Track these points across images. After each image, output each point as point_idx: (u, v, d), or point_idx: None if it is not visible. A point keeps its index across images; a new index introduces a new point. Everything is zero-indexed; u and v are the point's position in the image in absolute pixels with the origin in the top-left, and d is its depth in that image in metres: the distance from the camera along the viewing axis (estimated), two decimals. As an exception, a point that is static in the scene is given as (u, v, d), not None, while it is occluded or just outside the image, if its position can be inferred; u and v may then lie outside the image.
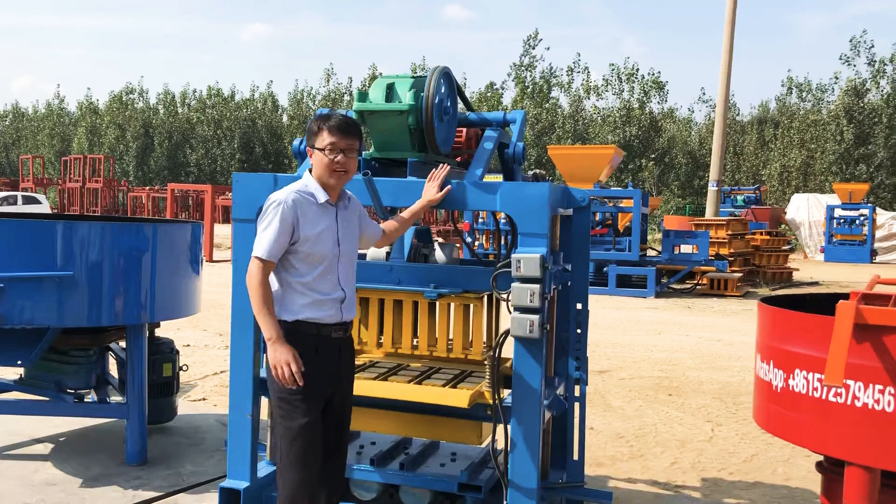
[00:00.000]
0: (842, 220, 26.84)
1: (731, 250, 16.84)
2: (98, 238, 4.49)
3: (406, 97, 3.66)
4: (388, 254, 4.07)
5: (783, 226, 30.07)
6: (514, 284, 3.41)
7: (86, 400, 5.10)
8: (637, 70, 47.48)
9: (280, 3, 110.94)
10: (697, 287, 16.03)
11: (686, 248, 16.47)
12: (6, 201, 29.44)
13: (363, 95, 3.75)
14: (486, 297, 3.84)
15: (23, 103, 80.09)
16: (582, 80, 49.35)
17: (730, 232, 17.03)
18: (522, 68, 48.50)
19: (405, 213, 3.57)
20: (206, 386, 6.89)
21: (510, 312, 3.47)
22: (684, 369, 8.30)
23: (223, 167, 55.31)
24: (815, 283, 18.16)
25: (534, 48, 48.34)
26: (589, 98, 48.68)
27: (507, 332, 3.50)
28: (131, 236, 4.65)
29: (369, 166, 3.87)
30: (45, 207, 30.53)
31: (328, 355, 3.18)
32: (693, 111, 75.73)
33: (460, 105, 4.07)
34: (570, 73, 48.79)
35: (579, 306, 4.00)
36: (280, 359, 3.01)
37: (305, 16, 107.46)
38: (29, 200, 30.34)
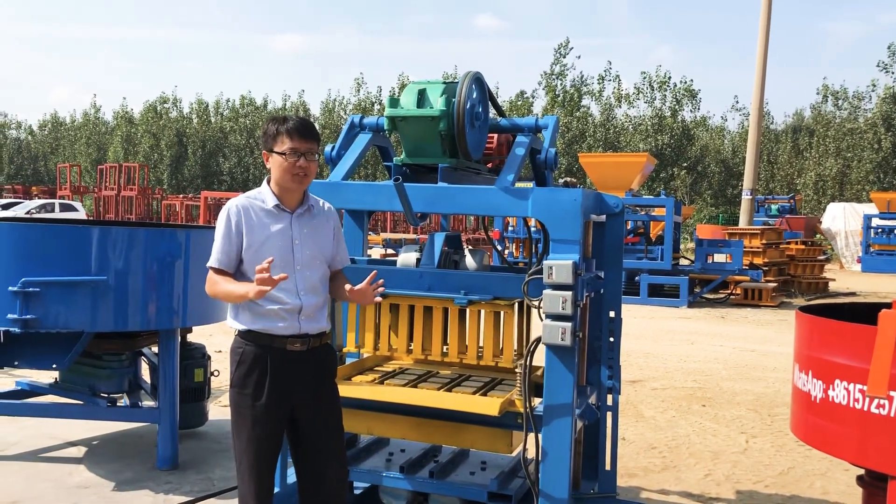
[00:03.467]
0: (879, 230, 26.32)
1: (766, 260, 16.59)
2: (132, 244, 4.54)
3: (437, 103, 3.65)
4: (418, 260, 4.05)
5: (818, 235, 29.59)
6: (545, 291, 3.37)
7: (118, 404, 5.15)
8: (669, 78, 47.12)
9: (312, 15, 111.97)
10: (731, 297, 15.81)
11: (719, 258, 16.26)
12: (44, 209, 30.00)
13: (394, 101, 3.74)
14: (516, 304, 3.81)
15: (61, 113, 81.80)
16: (613, 88, 49.09)
17: (764, 241, 16.79)
18: (553, 77, 48.36)
19: (346, 287, 3.21)
20: (237, 392, 6.91)
21: (542, 320, 3.43)
22: (718, 380, 8.17)
23: (255, 175, 55.80)
24: (853, 294, 17.81)
25: (564, 57, 48.18)
26: (620, 106, 48.41)
27: (538, 340, 3.46)
28: (165, 242, 4.69)
29: (400, 172, 3.86)
30: (81, 215, 31.05)
31: (284, 369, 3.03)
32: (726, 119, 74.85)
33: (492, 111, 4.05)
34: (601, 81, 48.56)
35: (612, 314, 3.95)
36: (250, 290, 2.82)
37: (337, 27, 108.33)
38: (66, 208, 30.90)
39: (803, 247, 18.95)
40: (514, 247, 16.72)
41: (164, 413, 4.79)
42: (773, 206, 34.27)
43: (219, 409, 6.19)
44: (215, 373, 5.61)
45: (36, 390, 5.24)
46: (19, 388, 5.28)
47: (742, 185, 23.72)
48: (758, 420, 6.57)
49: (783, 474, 5.19)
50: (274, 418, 3.07)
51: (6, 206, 30.83)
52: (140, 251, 4.57)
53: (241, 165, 56.64)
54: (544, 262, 3.39)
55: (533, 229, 14.67)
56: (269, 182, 3.16)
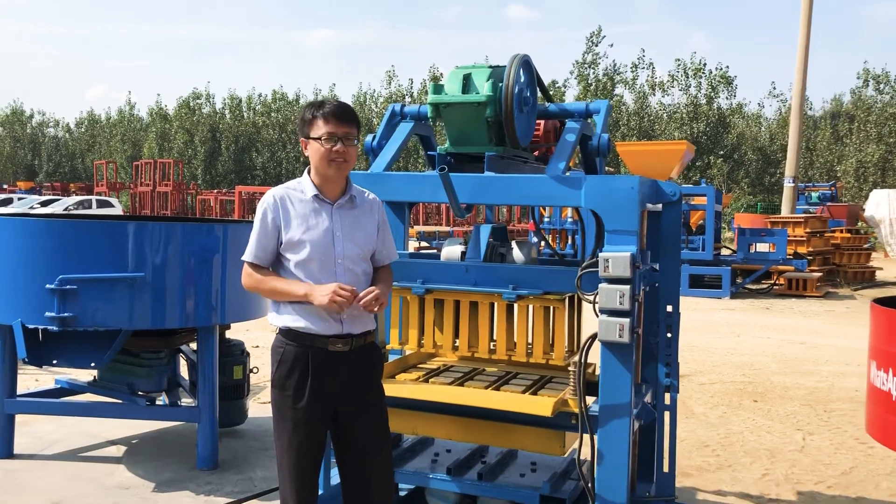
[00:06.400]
0: (927, 217, 25.53)
1: (810, 249, 16.15)
2: (170, 239, 4.44)
3: (484, 88, 3.48)
4: (463, 253, 3.89)
5: (860, 223, 28.83)
6: (601, 285, 3.19)
7: (157, 402, 5.07)
8: (704, 65, 46.28)
9: (343, 10, 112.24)
10: (774, 287, 15.42)
11: (761, 247, 15.85)
12: (81, 205, 30.38)
13: (438, 87, 3.58)
14: (567, 298, 3.62)
15: (97, 111, 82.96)
16: (647, 76, 48.33)
17: (808, 230, 16.34)
18: (585, 66, 47.76)
19: (379, 283, 3.03)
20: (276, 388, 6.82)
21: (597, 315, 3.25)
22: (768, 374, 7.89)
23: (288, 170, 56.07)
24: (901, 283, 17.32)
25: (597, 45, 47.52)
26: (654, 94, 47.67)
27: (593, 337, 3.28)
28: (202, 237, 4.59)
29: (445, 161, 3.69)
30: (117, 211, 31.41)
31: (326, 370, 2.89)
32: (763, 106, 73.42)
33: (539, 96, 3.86)
34: (634, 69, 47.85)
35: (669, 308, 3.75)
36: (325, 294, 2.74)
37: (368, 21, 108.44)
38: (103, 204, 31.26)
39: (849, 235, 18.44)
40: (550, 238, 16.47)
41: (203, 412, 4.69)
42: (814, 194, 33.49)
43: (258, 407, 6.09)
44: (254, 369, 5.51)
45: (75, 388, 5.17)
46: (59, 386, 5.22)
47: (780, 173, 23.16)
48: (813, 416, 6.31)
49: (845, 474, 4.95)
50: (315, 420, 2.93)
51: (45, 203, 31.27)
52: (177, 246, 4.46)
53: (273, 160, 56.94)
54: (600, 254, 3.20)
55: (570, 220, 14.38)
56: (308, 171, 3.01)
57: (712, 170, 43.59)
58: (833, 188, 34.19)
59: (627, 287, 3.15)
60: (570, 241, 14.39)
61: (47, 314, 4.19)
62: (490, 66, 3.59)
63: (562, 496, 3.58)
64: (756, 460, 5.18)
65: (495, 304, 3.68)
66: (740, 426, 5.97)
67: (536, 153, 4.08)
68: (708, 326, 11.00)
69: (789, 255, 14.79)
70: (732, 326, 11.05)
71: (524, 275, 3.56)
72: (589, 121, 3.79)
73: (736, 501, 4.47)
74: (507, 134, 3.51)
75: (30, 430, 5.18)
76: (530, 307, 3.62)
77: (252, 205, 43.00)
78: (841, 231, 18.71)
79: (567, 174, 3.44)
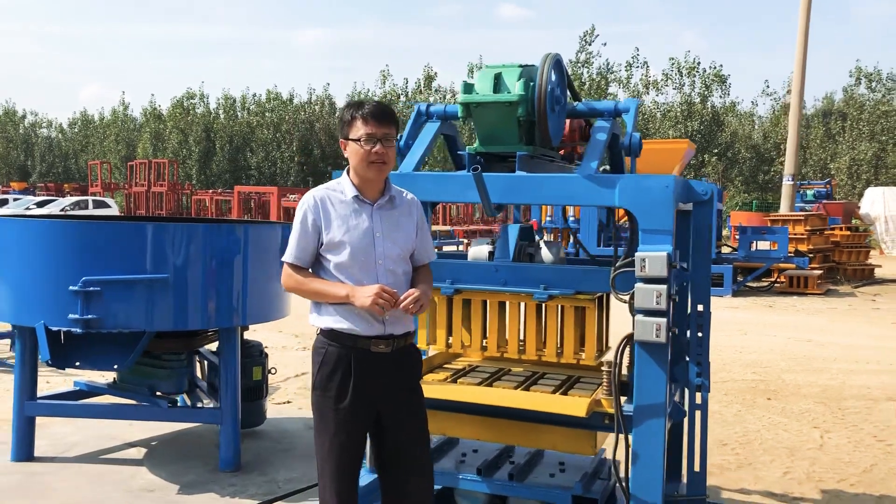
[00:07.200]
0: (922, 214, 25.69)
1: (810, 246, 16.20)
2: (191, 240, 4.41)
3: (515, 87, 3.46)
4: (490, 253, 3.88)
5: (855, 220, 28.97)
6: (637, 285, 3.18)
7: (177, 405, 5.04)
8: (698, 64, 46.40)
9: (336, 9, 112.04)
10: (775, 285, 15.46)
11: (762, 245, 15.89)
12: (78, 206, 30.25)
13: (469, 87, 3.56)
14: (597, 298, 3.61)
15: (90, 110, 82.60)
16: (641, 75, 48.40)
17: (808, 227, 16.39)
18: (579, 65, 47.79)
19: (420, 284, 3.02)
20: (289, 389, 6.81)
21: (632, 315, 3.24)
22: (779, 372, 7.91)
23: (283, 170, 55.95)
24: (900, 281, 17.39)
25: (590, 44, 47.56)
26: (648, 93, 47.75)
27: (630, 337, 3.27)
28: (223, 238, 4.56)
29: (475, 161, 3.68)
30: (114, 211, 31.28)
31: (368, 371, 2.87)
32: (756, 104, 73.57)
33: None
34: (628, 68, 47.91)
35: (700, 308, 3.75)
36: (367, 296, 2.74)
37: (361, 20, 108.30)
38: (99, 205, 31.15)
39: (848, 233, 18.51)
40: (552, 237, 16.47)
41: (226, 413, 4.66)
42: (809, 192, 33.63)
43: (273, 408, 6.07)
44: (273, 370, 5.49)
45: (94, 390, 5.14)
46: (77, 388, 5.19)
47: (774, 171, 23.21)
48: (828, 414, 6.33)
49: (867, 472, 4.96)
50: (358, 421, 2.91)
51: (41, 204, 31.12)
52: (199, 248, 4.44)
53: (268, 160, 56.79)
54: (636, 253, 3.19)
55: (571, 219, 14.31)
56: (348, 172, 2.99)
57: (707, 168, 43.71)
58: (828, 186, 34.34)
59: (664, 287, 3.14)
60: (571, 241, 14.40)
61: (71, 316, 4.16)
62: (520, 66, 3.58)
63: (593, 496, 3.58)
64: (776, 458, 5.18)
65: (525, 305, 3.67)
66: (757, 424, 5.98)
67: (562, 152, 4.07)
68: (714, 325, 10.87)
69: (790, 252, 14.82)
70: (738, 325, 11.07)
71: (555, 275, 3.55)
72: (617, 119, 3.78)
73: (760, 500, 4.47)
74: (539, 133, 3.50)
75: (48, 433, 5.14)
76: (560, 307, 3.61)
77: (247, 204, 42.99)
78: (840, 229, 18.78)
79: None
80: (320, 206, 2.92)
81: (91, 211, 29.24)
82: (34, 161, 68.30)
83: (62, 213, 26.08)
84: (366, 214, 2.93)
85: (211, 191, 44.56)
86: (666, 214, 3.21)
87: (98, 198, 33.97)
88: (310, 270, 2.95)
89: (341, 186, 2.97)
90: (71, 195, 43.61)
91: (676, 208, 3.51)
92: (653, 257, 3.15)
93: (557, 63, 3.59)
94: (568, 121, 4.02)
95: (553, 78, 3.53)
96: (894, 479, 4.82)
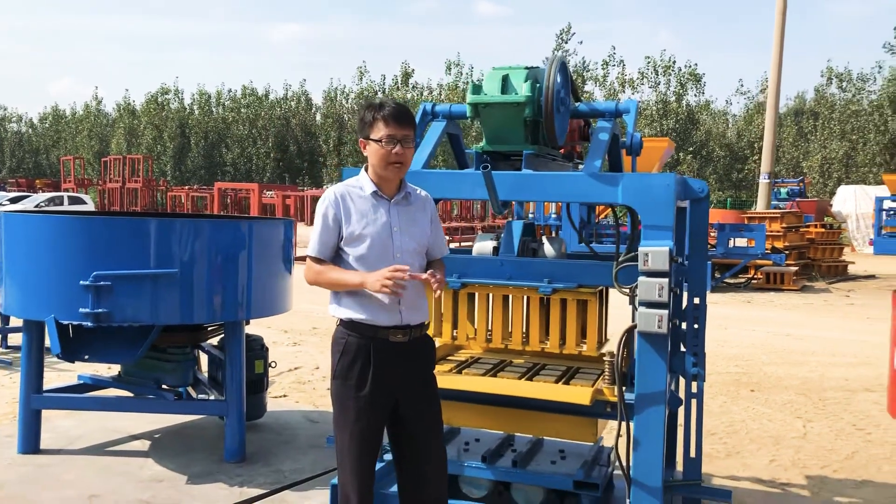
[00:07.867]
0: (892, 212, 26.21)
1: (787, 243, 16.55)
2: (199, 236, 4.50)
3: (522, 88, 3.60)
4: (494, 248, 4.01)
5: (827, 218, 29.52)
6: (640, 278, 3.33)
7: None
8: (674, 62, 46.93)
9: (311, 4, 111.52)
10: (752, 281, 15.77)
11: (740, 242, 16.18)
12: (53, 202, 29.92)
13: (477, 87, 3.69)
14: (598, 291, 3.76)
15: (61, 105, 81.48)
16: (617, 73, 48.83)
17: (784, 225, 16.73)
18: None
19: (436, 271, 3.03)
20: (284, 382, 6.89)
21: (634, 307, 3.39)
22: (760, 365, 8.14)
23: (258, 166, 55.74)
24: (872, 277, 17.80)
25: (566, 42, 47.92)
26: (624, 91, 48.17)
27: (632, 328, 3.43)
28: (229, 233, 4.65)
29: (482, 160, 3.81)
30: (90, 207, 30.98)
31: (387, 360, 3.00)
32: (730, 103, 74.41)
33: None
34: (604, 66, 48.33)
35: (697, 301, 3.91)
36: (378, 279, 2.82)
37: (336, 15, 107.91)
38: (74, 201, 30.82)
39: (823, 230, 18.91)
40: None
41: (231, 405, 4.76)
42: (783, 190, 34.15)
43: (271, 401, 6.15)
44: (273, 364, 5.58)
45: (99, 384, 5.20)
46: (81, 381, 5.25)
47: (747, 169, 23.60)
48: (809, 405, 6.55)
49: (848, 459, 5.17)
50: (377, 408, 3.02)
51: (14, 200, 30.75)
52: (205, 243, 4.53)
53: (244, 156, 56.52)
54: (640, 248, 3.34)
55: (553, 216, 14.45)
56: (366, 169, 3.12)
57: (682, 166, 44.24)
58: (801, 184, 34.89)
59: (666, 280, 3.30)
60: (555, 235, 14.59)
61: (82, 310, 4.23)
62: (527, 67, 3.71)
63: (595, 481, 3.72)
64: (762, 447, 5.38)
65: (529, 298, 3.81)
66: (742, 415, 6.18)
67: (563, 151, 4.22)
68: (694, 319, 11.23)
69: (767, 249, 15.13)
70: (718, 319, 11.32)
71: (559, 269, 3.69)
72: (617, 120, 3.93)
73: (750, 486, 4.66)
74: (546, 133, 3.64)
75: (51, 426, 5.20)
76: (564, 300, 3.76)
77: (224, 200, 42.81)
78: (815, 226, 19.18)
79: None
80: (341, 202, 3.03)
81: (66, 207, 28.94)
82: (3, 156, 67.37)
83: (36, 209, 25.80)
84: (384, 210, 3.05)
85: (186, 187, 44.29)
86: (667, 211, 3.37)
87: (73, 194, 33.62)
88: (329, 263, 3.06)
89: (360, 183, 3.09)
90: (43, 191, 43.10)
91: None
92: (656, 252, 3.30)
93: (563, 65, 3.74)
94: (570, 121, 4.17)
95: (559, 80, 3.67)
96: (874, 465, 5.04)
